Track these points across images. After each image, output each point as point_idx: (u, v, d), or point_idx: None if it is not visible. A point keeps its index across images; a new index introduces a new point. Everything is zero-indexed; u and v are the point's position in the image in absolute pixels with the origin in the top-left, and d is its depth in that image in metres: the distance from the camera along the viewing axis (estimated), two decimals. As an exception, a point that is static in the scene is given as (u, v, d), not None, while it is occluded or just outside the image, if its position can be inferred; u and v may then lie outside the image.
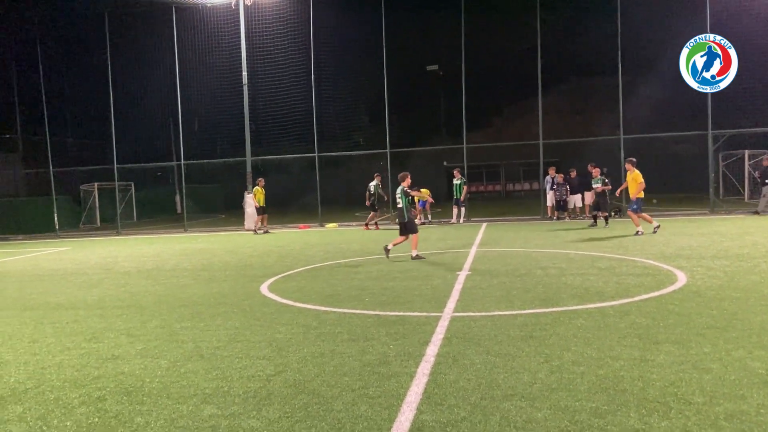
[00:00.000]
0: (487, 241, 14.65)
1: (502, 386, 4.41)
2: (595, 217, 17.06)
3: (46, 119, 23.75)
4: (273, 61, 22.85)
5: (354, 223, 22.35)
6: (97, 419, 4.19)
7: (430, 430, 3.70)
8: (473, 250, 12.79)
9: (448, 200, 25.42)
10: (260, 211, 20.72)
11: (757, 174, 22.12)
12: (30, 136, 26.50)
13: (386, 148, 22.57)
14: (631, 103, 23.58)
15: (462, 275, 9.52)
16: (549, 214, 20.80)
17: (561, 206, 20.32)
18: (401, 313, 6.99)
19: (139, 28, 24.09)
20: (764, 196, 18.47)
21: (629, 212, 14.85)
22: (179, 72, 22.84)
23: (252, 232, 21.41)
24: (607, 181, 16.39)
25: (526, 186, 42.36)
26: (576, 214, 20.47)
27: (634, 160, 14.67)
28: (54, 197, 23.77)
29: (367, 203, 20.12)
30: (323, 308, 7.50)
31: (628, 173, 14.55)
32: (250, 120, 22.80)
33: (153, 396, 4.60)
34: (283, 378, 4.86)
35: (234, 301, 8.36)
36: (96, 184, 27.21)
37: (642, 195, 14.49)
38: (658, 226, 14.57)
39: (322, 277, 10.31)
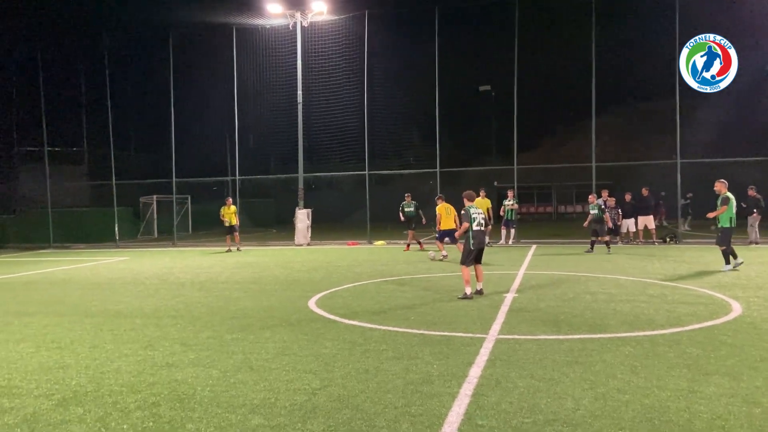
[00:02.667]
0: (536, 264, 14.49)
1: (544, 411, 4.40)
2: (593, 243, 16.91)
3: (111, 134, 24.96)
4: (327, 80, 23.38)
5: (402, 241, 22.44)
6: (151, 423, 4.41)
7: (470, 451, 3.74)
8: (521, 272, 12.69)
9: (496, 220, 25.19)
10: (228, 230, 20.59)
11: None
12: (95, 150, 27.86)
13: (436, 168, 22.66)
14: (690, 126, 22.96)
15: (509, 297, 9.48)
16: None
17: (613, 230, 19.90)
18: (446, 333, 7.03)
19: (201, 48, 25.10)
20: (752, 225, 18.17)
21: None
22: (237, 90, 23.62)
23: (302, 246, 21.81)
24: (603, 208, 16.84)
25: (578, 208, 41.59)
26: (629, 238, 19.99)
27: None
28: (115, 208, 24.88)
29: (402, 218, 19.59)
30: (369, 325, 7.61)
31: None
32: (303, 137, 23.33)
33: (204, 404, 4.80)
34: (328, 392, 4.98)
35: (283, 315, 8.57)
36: (155, 196, 28.30)
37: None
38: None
39: (369, 294, 10.43)
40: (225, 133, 28.30)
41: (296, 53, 23.01)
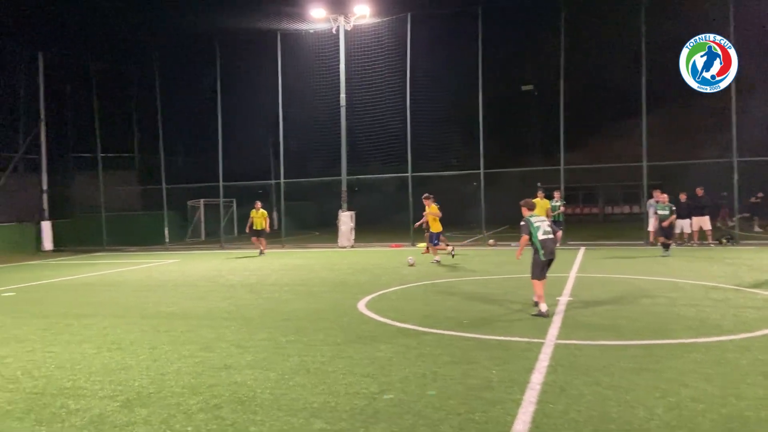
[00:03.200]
0: (586, 266, 14.14)
1: (616, 420, 4.24)
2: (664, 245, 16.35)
3: (161, 140, 25.60)
4: (369, 82, 23.40)
5: (443, 244, 22.24)
6: (215, 426, 4.43)
7: (542, 461, 3.62)
8: (572, 275, 12.40)
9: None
10: (255, 234, 20.43)
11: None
12: (145, 156, 28.62)
13: (480, 169, 22.41)
14: (746, 124, 22.08)
15: (562, 301, 9.25)
16: (651, 240, 19.79)
17: (666, 232, 19.27)
18: (502, 338, 6.89)
19: (246, 54, 25.47)
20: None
21: None
22: (281, 94, 23.88)
23: (345, 248, 21.88)
24: (674, 209, 16.13)
25: (626, 209, 40.54)
26: (683, 240, 19.34)
27: None
28: (165, 212, 25.46)
29: (416, 225, 17.84)
30: (421, 329, 7.53)
31: None
32: (345, 139, 23.41)
33: (265, 407, 4.80)
34: (387, 398, 4.92)
35: (334, 317, 8.56)
36: (202, 200, 28.86)
37: None
38: None
39: (418, 296, 10.35)
40: (269, 138, 28.64)
41: (339, 57, 23.12)
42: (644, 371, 5.38)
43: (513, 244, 21.14)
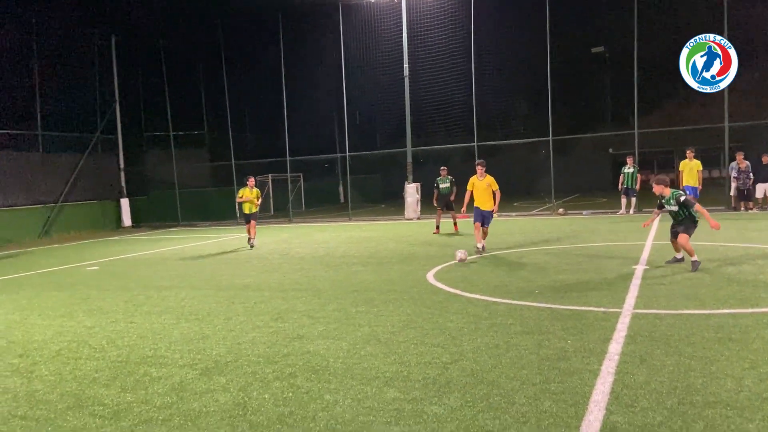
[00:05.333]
0: (663, 234, 13.49)
1: (701, 392, 4.03)
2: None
3: (228, 117, 26.24)
4: (433, 51, 23.00)
5: (514, 214, 21.87)
6: (291, 394, 4.52)
7: (624, 434, 3.48)
8: (649, 243, 11.89)
9: (611, 190, 23.87)
10: (245, 218, 15.64)
11: None
12: (214, 133, 29.44)
13: (549, 136, 21.73)
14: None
15: (639, 269, 8.88)
16: (733, 205, 18.71)
17: (745, 196, 18.18)
18: (576, 308, 6.68)
19: (309, 27, 25.53)
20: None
21: None
22: (344, 67, 23.86)
23: (412, 220, 21.85)
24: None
25: (705, 174, 38.44)
26: (761, 204, 18.19)
27: None
28: (235, 188, 26.18)
29: (435, 203, 16.61)
30: (492, 299, 7.41)
31: None
32: (410, 111, 23.20)
33: (338, 376, 4.85)
34: (460, 366, 4.88)
35: (403, 288, 8.56)
36: (270, 175, 29.47)
37: None
38: None
39: (487, 266, 10.20)
40: (334, 111, 28.78)
41: (401, 26, 22.79)
42: (730, 341, 5.09)
43: (585, 212, 20.50)
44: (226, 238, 19.33)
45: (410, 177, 23.18)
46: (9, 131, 23.22)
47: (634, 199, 19.59)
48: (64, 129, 25.18)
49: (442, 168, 16.70)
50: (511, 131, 26.19)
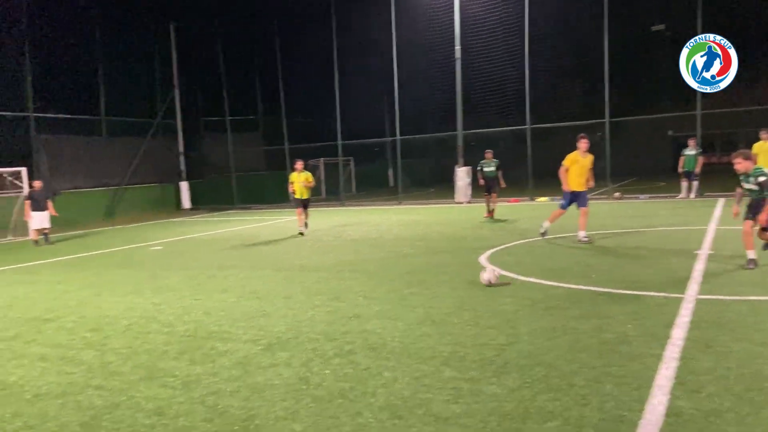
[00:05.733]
0: (728, 219, 13.02)
1: (772, 380, 3.92)
2: None
3: (282, 102, 26.63)
4: (485, 32, 22.63)
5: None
6: (350, 370, 4.63)
7: (689, 418, 3.43)
8: (711, 228, 11.48)
9: (670, 173, 23.11)
10: (296, 203, 14.66)
11: None
12: (268, 117, 29.94)
13: (605, 118, 21.15)
14: None
15: (702, 255, 8.61)
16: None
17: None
18: (636, 292, 6.56)
19: (360, 10, 25.52)
20: None
21: None
22: (396, 49, 23.78)
23: (462, 204, 21.74)
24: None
25: (772, 157, 36.60)
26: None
27: None
28: (288, 171, 26.61)
29: (481, 182, 16.20)
30: (547, 282, 7.35)
31: None
32: (461, 93, 22.97)
33: (396, 354, 4.94)
34: (517, 349, 4.88)
35: (455, 270, 8.58)
36: (322, 159, 29.80)
37: None
38: None
39: (541, 250, 10.10)
40: (384, 95, 28.76)
41: (453, 7, 22.51)
42: (804, 330, 4.92)
43: (641, 196, 19.93)
44: (281, 220, 19.72)
45: (461, 160, 23.03)
46: (75, 116, 24.23)
47: (695, 183, 18.91)
48: (126, 114, 26.11)
49: (487, 151, 16.29)
50: (564, 113, 25.58)
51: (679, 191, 19.18)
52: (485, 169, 15.99)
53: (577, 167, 10.59)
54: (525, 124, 22.38)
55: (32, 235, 16.24)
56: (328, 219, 19.03)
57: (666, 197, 19.64)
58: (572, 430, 3.36)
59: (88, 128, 25.03)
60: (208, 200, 28.04)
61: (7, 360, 5.45)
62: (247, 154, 29.31)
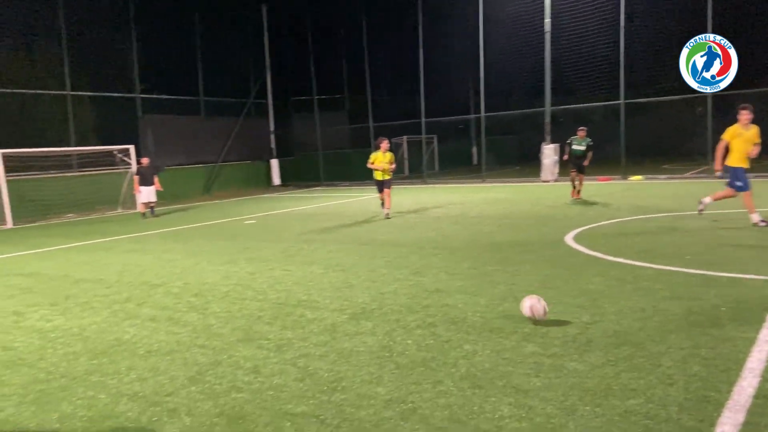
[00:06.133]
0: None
1: None
2: None
3: (367, 80, 26.94)
4: (576, 4, 21.76)
5: (663, 177, 20.47)
6: (432, 341, 4.78)
7: (782, 403, 3.33)
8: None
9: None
10: (377, 185, 13.73)
11: None
12: (354, 96, 30.41)
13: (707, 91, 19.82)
14: None
15: (810, 238, 8.06)
16: None
17: None
18: (732, 275, 6.28)
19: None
20: None
21: None
22: (482, 25, 23.36)
23: (548, 182, 21.25)
24: None
25: None
26: None
27: None
28: (372, 149, 26.98)
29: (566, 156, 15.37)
30: (637, 263, 7.15)
31: None
32: (549, 68, 22.29)
33: (477, 328, 5.04)
34: (602, 327, 4.85)
35: (539, 249, 8.51)
36: (405, 137, 29.95)
37: None
38: None
39: (632, 230, 9.78)
40: (469, 72, 28.37)
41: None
42: None
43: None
44: (365, 197, 20.10)
45: (548, 137, 22.45)
46: (176, 97, 25.65)
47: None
48: (221, 95, 27.34)
49: (580, 128, 15.16)
50: (660, 87, 24.20)
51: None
52: (574, 147, 14.97)
53: (739, 141, 9.46)
54: (619, 99, 21.42)
55: (140, 208, 17.52)
56: (411, 196, 19.21)
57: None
58: (655, 408, 3.35)
59: (187, 108, 26.43)
60: (297, 177, 28.99)
61: (122, 320, 6.02)
62: (334, 132, 29.94)
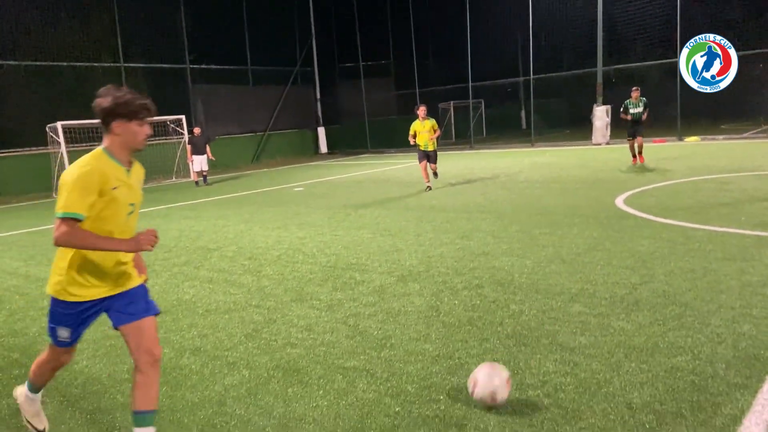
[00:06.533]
0: None
1: None
2: None
3: (413, 45, 26.64)
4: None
5: (721, 137, 19.68)
6: (478, 302, 4.88)
7: (835, 361, 3.29)
8: None
9: None
10: (419, 155, 12.67)
11: None
12: (400, 62, 30.14)
13: (766, 47, 18.85)
14: None
15: None
16: None
17: None
18: (791, 236, 6.11)
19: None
20: None
21: None
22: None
23: (600, 145, 20.74)
24: None
25: None
26: None
27: None
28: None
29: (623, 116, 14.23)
30: (690, 224, 7.02)
31: None
32: (602, 27, 21.52)
33: (523, 289, 5.10)
34: (650, 288, 4.83)
35: (589, 212, 8.42)
36: (452, 102, 29.62)
37: None
38: None
39: (686, 192, 9.54)
40: (518, 33, 27.67)
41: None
42: None
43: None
44: (411, 164, 20.09)
45: (600, 99, 21.81)
46: (225, 67, 26.04)
47: None
48: (268, 64, 27.58)
49: (633, 89, 14.29)
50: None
51: None
52: (631, 111, 14.02)
53: None
54: (674, 57, 20.53)
55: (193, 177, 18.07)
56: (458, 163, 19.11)
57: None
58: (702, 365, 3.37)
59: (236, 78, 26.80)
60: (344, 145, 29.16)
61: (182, 281, 6.34)
62: (380, 99, 29.84)
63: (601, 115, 21.53)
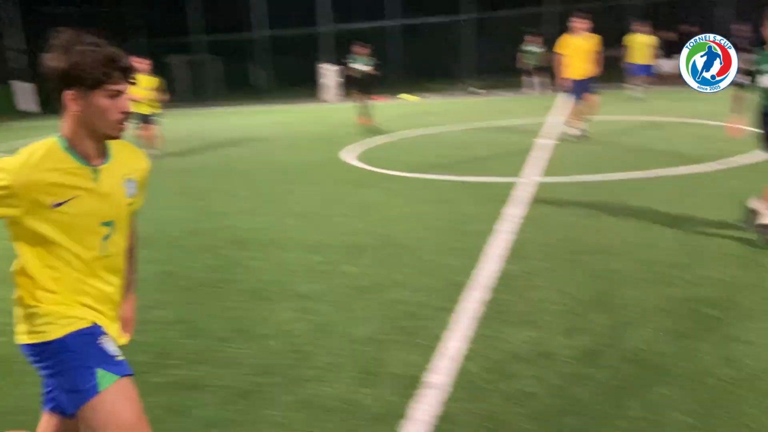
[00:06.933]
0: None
1: (587, 243, 4.66)
2: None
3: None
4: None
5: (435, 95, 21.94)
6: (216, 262, 4.81)
7: (514, 278, 4.02)
8: (550, 119, 12.43)
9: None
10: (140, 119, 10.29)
11: None
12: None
13: (460, 13, 21.39)
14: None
15: (540, 142, 9.46)
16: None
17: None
18: (485, 179, 7.23)
19: None
20: None
21: None
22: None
23: (330, 103, 21.54)
24: None
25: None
26: None
27: None
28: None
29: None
30: (408, 174, 7.80)
31: None
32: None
33: (261, 246, 5.17)
34: (374, 234, 5.29)
35: (321, 168, 8.82)
36: (171, 56, 27.59)
37: None
38: None
39: (406, 146, 10.58)
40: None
41: None
42: (618, 202, 5.73)
43: (479, 90, 20.73)
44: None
45: (327, 57, 22.58)
46: None
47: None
48: None
49: (358, 46, 13.43)
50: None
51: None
52: (357, 67, 13.30)
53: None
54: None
55: None
56: (188, 123, 18.19)
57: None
58: (416, 295, 3.83)
59: None
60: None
61: None
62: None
63: (329, 73, 22.37)
